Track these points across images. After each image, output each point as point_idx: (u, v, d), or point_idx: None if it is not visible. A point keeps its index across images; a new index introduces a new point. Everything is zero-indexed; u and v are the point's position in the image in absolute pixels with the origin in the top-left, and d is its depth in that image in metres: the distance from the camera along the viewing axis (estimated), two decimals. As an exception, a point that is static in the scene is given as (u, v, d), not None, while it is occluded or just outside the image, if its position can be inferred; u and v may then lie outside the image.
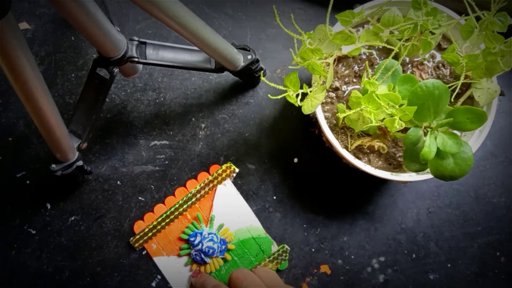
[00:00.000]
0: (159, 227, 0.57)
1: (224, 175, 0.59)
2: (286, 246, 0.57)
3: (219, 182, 0.58)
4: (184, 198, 0.58)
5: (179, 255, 0.57)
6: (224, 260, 0.57)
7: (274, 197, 0.59)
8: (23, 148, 0.61)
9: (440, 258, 0.58)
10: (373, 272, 0.57)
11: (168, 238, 0.57)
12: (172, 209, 0.58)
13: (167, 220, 0.57)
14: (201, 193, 0.58)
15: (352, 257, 0.58)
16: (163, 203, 0.59)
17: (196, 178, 0.59)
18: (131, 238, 0.57)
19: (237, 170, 0.59)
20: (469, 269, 0.58)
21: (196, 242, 0.56)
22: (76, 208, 0.59)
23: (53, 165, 0.52)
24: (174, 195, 0.59)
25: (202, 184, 0.58)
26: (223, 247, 0.56)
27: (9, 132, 0.61)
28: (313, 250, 0.58)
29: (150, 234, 0.57)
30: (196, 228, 0.57)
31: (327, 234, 0.58)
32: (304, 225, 0.59)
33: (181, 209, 0.58)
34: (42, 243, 0.58)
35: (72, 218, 0.59)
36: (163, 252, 0.57)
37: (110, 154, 0.61)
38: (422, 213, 0.59)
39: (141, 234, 0.57)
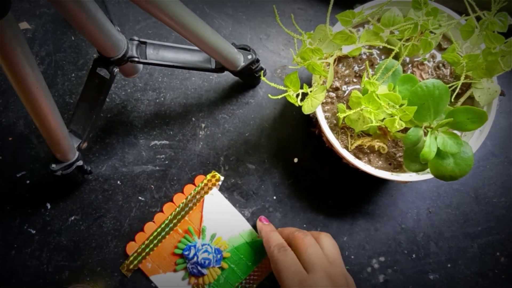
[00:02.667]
0: (151, 245, 0.57)
1: (210, 184, 0.58)
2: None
3: (206, 192, 0.58)
4: (173, 213, 0.58)
5: (175, 270, 0.56)
6: (221, 268, 0.56)
7: (274, 197, 0.59)
8: (23, 148, 0.61)
9: (440, 258, 0.58)
10: (373, 272, 0.57)
11: (162, 255, 0.57)
12: (163, 226, 0.57)
13: (158, 238, 0.57)
14: (189, 205, 0.58)
15: (352, 257, 0.58)
16: (153, 221, 0.58)
17: (182, 192, 0.59)
18: (124, 263, 0.57)
19: (222, 178, 0.59)
20: (469, 269, 0.58)
21: (190, 255, 0.55)
22: (76, 208, 0.59)
23: (53, 165, 0.52)
24: (162, 211, 0.58)
25: (189, 197, 0.58)
26: (218, 256, 0.56)
27: (9, 132, 0.61)
28: (313, 250, 0.58)
29: (143, 253, 0.57)
30: (189, 241, 0.57)
31: (327, 234, 0.58)
32: (304, 225, 0.59)
33: (171, 225, 0.57)
34: (42, 243, 0.58)
35: (72, 218, 0.59)
36: (159, 270, 0.56)
37: (110, 154, 0.61)
38: (422, 213, 0.59)
39: (134, 255, 0.57)
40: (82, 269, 0.57)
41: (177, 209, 0.58)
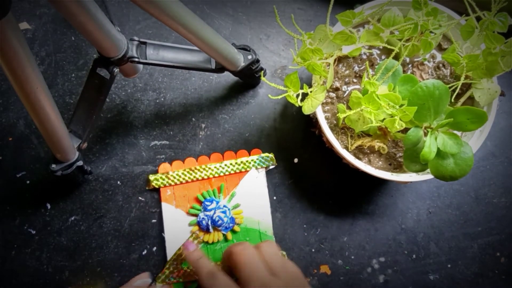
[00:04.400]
0: (183, 177, 0.58)
1: (262, 162, 0.59)
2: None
3: (255, 167, 0.59)
4: (219, 164, 0.59)
5: (188, 213, 0.58)
6: (225, 238, 0.57)
7: (274, 197, 0.59)
8: (23, 148, 0.61)
9: (440, 259, 0.58)
10: (373, 272, 0.57)
11: (184, 192, 0.58)
12: (202, 168, 0.58)
13: (192, 175, 0.58)
14: (235, 167, 0.59)
15: (352, 257, 0.58)
16: (196, 159, 0.60)
17: (235, 152, 0.60)
18: (152, 175, 0.58)
19: (274, 165, 0.60)
20: (469, 269, 0.58)
21: (210, 207, 0.56)
22: (76, 208, 0.59)
23: (53, 165, 0.52)
24: (209, 157, 0.60)
25: (240, 160, 0.59)
26: (230, 225, 0.56)
27: (9, 132, 0.61)
28: (313, 250, 0.58)
29: (172, 179, 0.58)
30: (214, 196, 0.58)
31: (327, 234, 0.58)
32: (304, 225, 0.59)
33: (209, 172, 0.58)
34: (42, 243, 0.58)
35: (72, 218, 0.59)
36: (173, 202, 0.58)
37: (110, 154, 0.61)
38: (422, 214, 0.59)
39: (163, 175, 0.58)
40: (82, 269, 0.57)
41: (224, 162, 0.59)
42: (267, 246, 0.46)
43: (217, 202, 0.57)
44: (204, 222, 0.56)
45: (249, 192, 0.58)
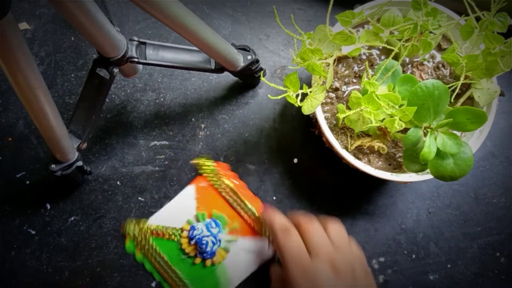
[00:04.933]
0: (224, 189, 0.58)
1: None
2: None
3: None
4: (255, 209, 0.57)
5: (195, 215, 0.57)
6: (194, 258, 0.56)
7: (274, 198, 0.59)
8: (23, 148, 0.61)
9: (440, 259, 0.58)
10: (373, 272, 0.57)
11: (212, 198, 0.58)
12: (241, 198, 0.57)
13: (230, 196, 0.57)
14: (262, 228, 0.57)
15: (352, 257, 0.58)
16: (248, 185, 0.59)
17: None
18: (208, 161, 0.59)
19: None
20: (469, 269, 0.58)
21: (208, 227, 0.56)
22: (76, 208, 0.59)
23: (53, 165, 0.52)
24: (256, 196, 0.59)
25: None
26: (207, 256, 0.55)
27: (9, 132, 0.61)
28: (313, 250, 0.58)
29: (216, 181, 0.58)
30: (222, 223, 0.57)
31: (327, 234, 0.58)
32: (304, 226, 0.59)
33: (240, 207, 0.57)
34: (42, 243, 0.58)
35: (72, 218, 0.59)
36: (197, 195, 0.58)
37: (110, 155, 0.61)
38: (422, 214, 0.59)
39: (215, 171, 0.58)
40: (82, 270, 0.57)
41: (260, 216, 0.57)
42: (333, 224, 0.50)
43: (220, 231, 0.56)
44: (195, 232, 0.55)
45: (244, 254, 0.56)
